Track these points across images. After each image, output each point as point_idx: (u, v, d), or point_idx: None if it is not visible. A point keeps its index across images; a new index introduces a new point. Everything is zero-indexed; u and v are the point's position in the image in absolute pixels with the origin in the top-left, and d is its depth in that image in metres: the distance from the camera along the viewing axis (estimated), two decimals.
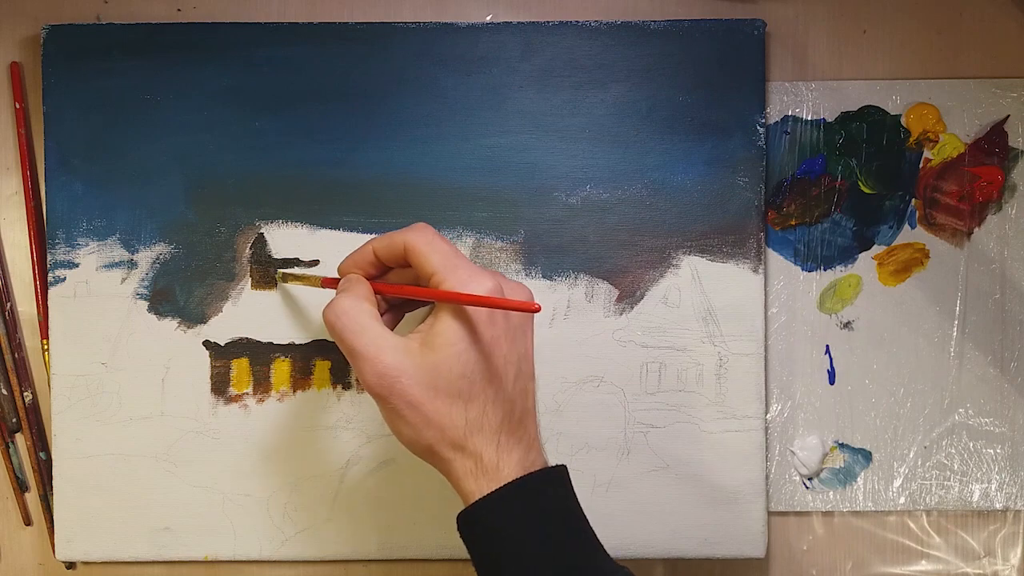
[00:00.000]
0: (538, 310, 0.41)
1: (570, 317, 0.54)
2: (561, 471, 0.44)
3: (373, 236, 0.46)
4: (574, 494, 0.44)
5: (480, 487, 0.42)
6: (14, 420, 0.56)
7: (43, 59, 0.54)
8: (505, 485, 0.42)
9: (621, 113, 0.54)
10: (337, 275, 0.48)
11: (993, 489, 0.56)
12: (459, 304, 0.42)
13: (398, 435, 0.44)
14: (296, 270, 0.54)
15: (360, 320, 0.43)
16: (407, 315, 0.50)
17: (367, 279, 0.46)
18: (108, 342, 0.54)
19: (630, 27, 0.54)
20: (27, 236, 0.55)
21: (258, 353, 0.54)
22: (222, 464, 0.55)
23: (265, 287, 0.54)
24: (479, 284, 0.42)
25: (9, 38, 0.56)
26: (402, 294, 0.45)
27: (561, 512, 0.43)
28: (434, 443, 0.43)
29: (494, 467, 0.42)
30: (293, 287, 0.54)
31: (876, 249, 0.56)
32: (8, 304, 0.56)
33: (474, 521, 0.42)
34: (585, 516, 0.44)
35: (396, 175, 0.54)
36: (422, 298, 0.44)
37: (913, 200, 0.55)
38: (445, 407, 0.42)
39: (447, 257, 0.43)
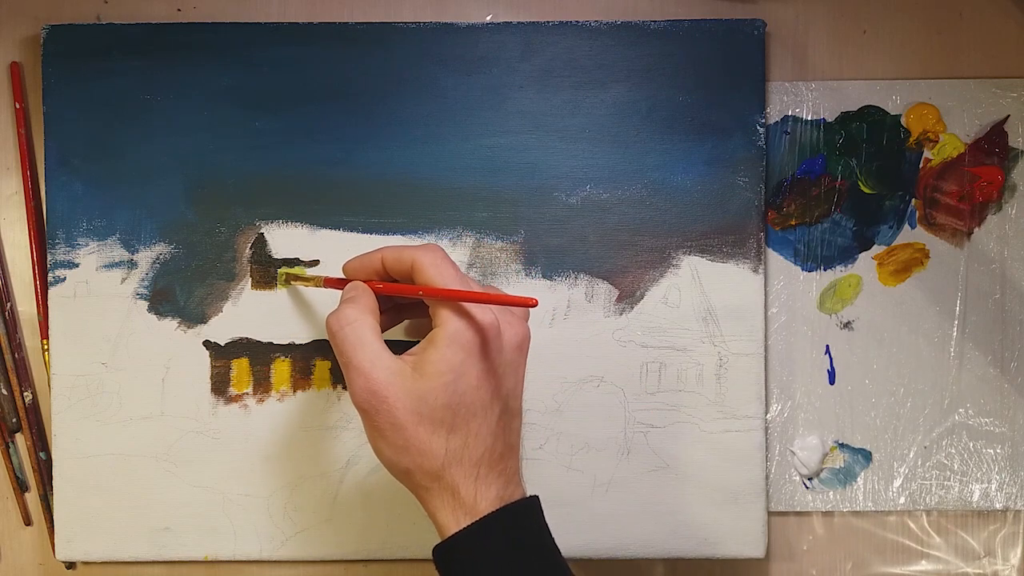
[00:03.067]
0: (535, 304, 0.41)
1: (570, 317, 0.54)
2: (533, 503, 0.44)
3: (384, 246, 0.46)
4: (547, 526, 0.44)
5: (457, 520, 0.42)
6: (14, 420, 0.56)
7: (43, 59, 0.54)
8: (480, 519, 0.42)
9: (621, 113, 0.54)
10: (341, 274, 0.48)
11: (993, 489, 0.56)
12: (453, 301, 0.42)
13: (378, 453, 0.44)
14: (297, 269, 0.54)
15: (361, 333, 0.43)
16: (407, 321, 0.50)
17: (370, 284, 0.46)
18: (108, 342, 0.54)
19: (630, 27, 0.54)
20: (27, 236, 0.55)
21: (258, 353, 0.54)
22: (222, 464, 0.55)
23: (265, 287, 0.54)
24: (474, 318, 0.42)
25: (9, 38, 0.56)
26: (400, 292, 0.45)
27: (536, 546, 0.43)
28: (412, 468, 0.43)
29: (471, 500, 0.42)
30: (296, 287, 0.54)
31: (876, 249, 0.56)
32: (8, 304, 0.56)
33: (450, 555, 0.42)
34: (557, 547, 0.44)
35: (396, 175, 0.54)
36: (419, 296, 0.44)
37: (913, 200, 0.55)
38: (427, 435, 0.42)
39: (451, 283, 0.43)
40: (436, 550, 0.43)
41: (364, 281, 0.46)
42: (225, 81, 0.54)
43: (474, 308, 0.43)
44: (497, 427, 0.44)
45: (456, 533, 0.42)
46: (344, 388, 0.54)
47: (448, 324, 0.42)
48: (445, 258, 0.44)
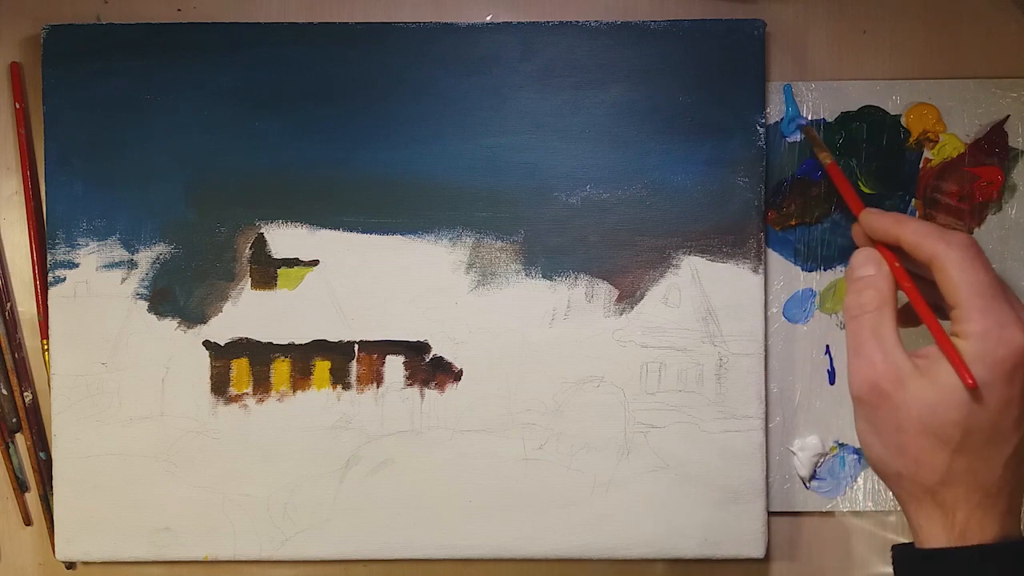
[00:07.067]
0: (971, 386, 0.38)
1: (570, 317, 0.54)
2: None
3: (909, 218, 0.43)
4: None
5: (942, 538, 0.40)
6: (14, 420, 0.56)
7: (43, 59, 0.54)
8: (976, 547, 0.39)
9: (621, 113, 0.54)
10: (861, 205, 0.46)
11: None
12: (986, 313, 0.39)
13: (865, 447, 0.42)
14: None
15: (879, 325, 0.41)
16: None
17: (892, 269, 0.43)
18: (108, 342, 0.54)
19: (630, 27, 0.54)
20: (27, 236, 0.55)
21: (258, 353, 0.54)
22: (222, 464, 0.55)
23: (265, 287, 0.54)
24: (1008, 337, 0.39)
25: (9, 38, 0.56)
26: (921, 317, 0.43)
27: None
28: (905, 474, 0.40)
29: (963, 525, 0.40)
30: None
31: None
32: (8, 304, 0.56)
33: (926, 565, 0.40)
34: None
35: (396, 175, 0.54)
36: (928, 326, 0.42)
37: (913, 200, 0.55)
38: (928, 446, 0.39)
39: (978, 293, 0.39)
40: (907, 552, 0.41)
41: (878, 250, 0.44)
42: (225, 81, 0.54)
43: (1010, 326, 0.39)
44: (1012, 458, 0.40)
45: (944, 548, 0.39)
46: (344, 388, 0.54)
47: (977, 339, 0.39)
48: (975, 259, 0.40)
